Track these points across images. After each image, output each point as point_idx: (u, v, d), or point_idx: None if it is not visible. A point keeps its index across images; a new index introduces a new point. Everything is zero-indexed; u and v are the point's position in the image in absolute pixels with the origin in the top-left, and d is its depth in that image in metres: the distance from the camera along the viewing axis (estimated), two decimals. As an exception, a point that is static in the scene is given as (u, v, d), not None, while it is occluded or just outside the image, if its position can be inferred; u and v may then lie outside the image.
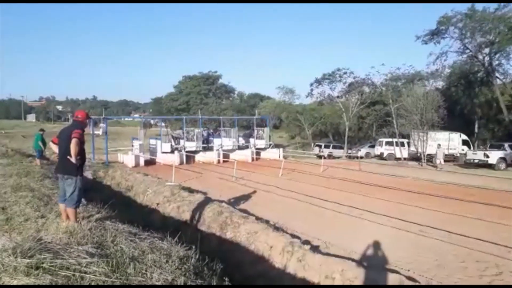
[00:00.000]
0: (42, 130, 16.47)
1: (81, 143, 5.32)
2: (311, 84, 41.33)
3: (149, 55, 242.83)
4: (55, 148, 5.68)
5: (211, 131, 32.02)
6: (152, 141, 24.81)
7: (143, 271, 3.54)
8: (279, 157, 27.36)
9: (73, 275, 3.24)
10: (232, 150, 25.97)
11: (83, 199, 6.11)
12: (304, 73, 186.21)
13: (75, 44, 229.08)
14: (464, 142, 28.69)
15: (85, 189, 7.16)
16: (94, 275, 3.29)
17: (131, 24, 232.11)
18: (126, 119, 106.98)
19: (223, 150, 25.38)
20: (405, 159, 29.18)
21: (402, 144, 30.13)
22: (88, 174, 15.75)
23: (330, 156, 31.38)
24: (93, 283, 3.16)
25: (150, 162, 22.40)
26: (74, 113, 5.99)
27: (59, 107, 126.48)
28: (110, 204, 7.05)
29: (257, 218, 8.58)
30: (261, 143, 28.44)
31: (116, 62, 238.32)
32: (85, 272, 3.33)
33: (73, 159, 5.20)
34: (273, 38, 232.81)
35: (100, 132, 37.67)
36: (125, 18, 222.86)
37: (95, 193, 11.10)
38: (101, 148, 24.53)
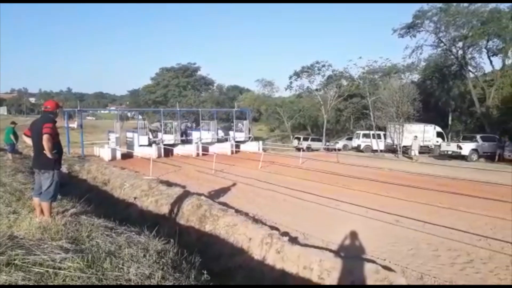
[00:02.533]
0: (13, 123, 15.90)
1: (53, 137, 5.17)
2: (290, 77, 41.41)
3: (126, 46, 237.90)
4: (28, 141, 5.50)
5: (189, 124, 31.80)
6: (129, 134, 24.40)
7: (120, 266, 3.49)
8: (259, 150, 27.41)
9: (47, 271, 3.17)
10: (211, 143, 25.85)
11: (58, 194, 5.96)
12: (283, 65, 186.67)
13: (48, 34, 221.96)
14: (439, 134, 29.44)
15: (60, 183, 6.99)
16: (69, 271, 3.23)
17: (106, 14, 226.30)
18: (102, 111, 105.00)
19: (202, 143, 25.23)
20: (381, 151, 29.79)
21: (379, 136, 30.74)
22: (63, 168, 15.39)
23: (308, 149, 31.68)
24: (67, 279, 3.10)
25: (127, 156, 22.06)
26: (44, 104, 5.79)
27: (32, 100, 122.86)
28: (86, 198, 6.92)
29: (237, 211, 8.60)
30: (240, 136, 28.39)
31: (91, 53, 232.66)
32: (59, 268, 3.26)
33: (48, 155, 5.06)
34: (252, 30, 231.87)
35: (75, 125, 36.76)
36: (100, 7, 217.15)
37: (70, 187, 10.87)
38: (77, 141, 24.01)
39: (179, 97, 49.23)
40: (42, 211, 5.20)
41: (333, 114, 39.91)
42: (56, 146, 5.27)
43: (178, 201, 9.25)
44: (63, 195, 7.11)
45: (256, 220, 7.98)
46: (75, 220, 5.20)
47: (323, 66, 38.70)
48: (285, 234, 7.12)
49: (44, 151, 5.05)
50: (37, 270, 3.17)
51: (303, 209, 9.91)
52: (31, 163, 6.16)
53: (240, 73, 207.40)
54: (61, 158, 5.54)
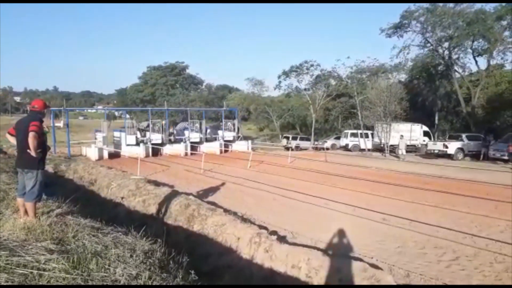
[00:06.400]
0: None
1: (39, 135, 5.09)
2: (279, 76, 41.48)
3: (114, 45, 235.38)
4: (12, 140, 5.39)
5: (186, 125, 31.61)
6: (116, 134, 24.16)
7: (106, 266, 3.45)
8: (248, 149, 27.40)
9: (31, 272, 3.11)
10: (200, 143, 25.74)
11: (43, 194, 5.87)
12: (273, 65, 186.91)
13: (34, 32, 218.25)
14: (425, 133, 29.80)
15: (46, 183, 6.88)
16: (53, 272, 3.17)
17: (94, 12, 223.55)
18: (89, 110, 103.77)
19: (191, 143, 25.10)
20: (369, 150, 30.06)
21: (366, 136, 31.01)
22: (49, 168, 15.17)
23: (297, 148, 31.79)
24: (52, 280, 3.05)
25: (114, 155, 21.83)
26: (31, 103, 5.70)
27: (17, 99, 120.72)
28: (72, 198, 6.82)
29: (225, 210, 8.57)
30: (229, 135, 28.33)
31: (78, 52, 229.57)
32: (44, 270, 3.20)
33: (33, 153, 4.97)
34: (242, 29, 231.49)
35: (61, 124, 36.25)
36: (88, 5, 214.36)
37: (56, 187, 10.72)
38: (63, 141, 23.69)
39: (167, 96, 48.94)
40: (26, 212, 5.11)
41: (322, 114, 40.11)
42: (41, 145, 5.19)
43: (166, 201, 9.18)
44: (48, 195, 6.99)
45: (244, 220, 7.97)
46: (60, 221, 5.12)
47: (312, 65, 38.84)
48: (274, 233, 7.13)
49: (28, 150, 4.97)
50: (20, 271, 3.11)
51: (292, 208, 9.94)
52: (15, 163, 6.05)
53: (229, 72, 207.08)
54: (45, 158, 5.46)
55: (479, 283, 5.38)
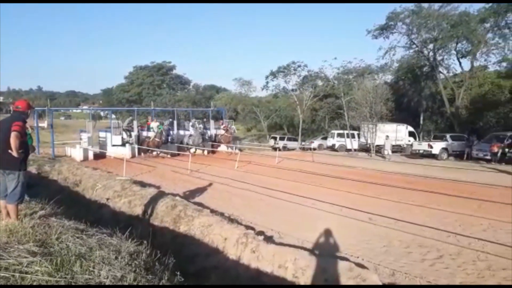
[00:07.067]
0: None
1: (22, 135, 5.01)
2: (267, 77, 41.61)
3: (100, 44, 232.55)
4: None
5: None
6: (102, 134, 23.83)
7: (90, 269, 3.40)
8: (235, 149, 27.35)
9: (13, 275, 3.06)
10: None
11: (25, 195, 5.77)
12: (260, 65, 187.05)
13: (16, 30, 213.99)
14: (410, 134, 30.21)
15: (29, 184, 6.77)
16: (36, 275, 3.12)
17: (79, 11, 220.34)
18: (74, 110, 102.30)
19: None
20: (355, 150, 30.37)
21: (353, 136, 31.30)
22: (32, 169, 14.91)
23: (285, 148, 31.94)
24: (34, 283, 3.00)
25: (99, 156, 21.53)
26: (14, 103, 5.60)
27: (0, 98, 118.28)
28: (56, 200, 6.71)
29: (212, 211, 8.55)
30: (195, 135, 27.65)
31: (62, 50, 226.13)
32: (26, 272, 3.15)
33: (14, 153, 4.88)
34: (229, 30, 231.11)
35: (45, 124, 35.64)
36: (72, 5, 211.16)
37: (40, 188, 10.55)
38: (47, 141, 23.27)
39: (154, 96, 48.60)
40: (8, 214, 5.02)
41: (309, 114, 40.33)
42: (23, 146, 5.10)
43: (152, 202, 9.11)
44: (32, 197, 6.88)
45: (231, 220, 7.95)
46: (44, 223, 5.04)
47: (299, 66, 39.08)
48: (261, 233, 7.14)
49: (10, 151, 4.88)
50: (2, 274, 3.05)
51: (279, 208, 9.96)
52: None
53: (217, 73, 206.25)
54: (27, 159, 5.37)
55: (462, 281, 5.47)
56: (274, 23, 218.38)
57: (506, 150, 20.87)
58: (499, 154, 21.04)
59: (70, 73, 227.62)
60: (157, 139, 22.32)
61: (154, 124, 23.21)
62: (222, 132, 26.73)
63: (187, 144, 24.31)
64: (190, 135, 24.37)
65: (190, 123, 25.99)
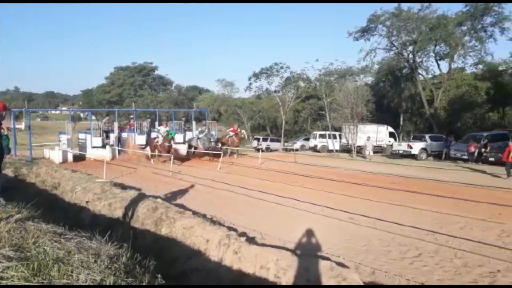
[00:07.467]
0: None
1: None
2: (250, 78, 41.71)
3: (79, 44, 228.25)
4: None
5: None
6: (81, 135, 23.41)
7: (69, 273, 3.33)
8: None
9: (-13, 282, 2.97)
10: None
11: (1, 199, 5.62)
12: (243, 66, 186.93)
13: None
14: (391, 134, 30.76)
15: (5, 187, 6.60)
16: (12, 280, 3.04)
17: (58, 10, 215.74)
18: (53, 112, 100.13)
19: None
20: (337, 151, 30.73)
21: (334, 137, 31.67)
22: (9, 171, 14.53)
23: (267, 149, 32.05)
24: (10, 289, 2.92)
25: (79, 158, 21.14)
26: None
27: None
28: (34, 203, 6.54)
29: (194, 213, 8.49)
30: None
31: (41, 50, 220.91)
32: (1, 278, 3.06)
33: None
34: (212, 31, 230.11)
35: (22, 126, 34.76)
36: (50, 4, 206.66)
37: (16, 191, 10.28)
38: (25, 143, 22.73)
39: (135, 96, 48.02)
40: (-17, 218, 4.88)
41: (291, 115, 40.65)
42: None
43: (132, 204, 8.98)
44: (8, 200, 6.68)
45: (214, 222, 7.92)
46: (20, 227, 4.90)
47: (282, 67, 39.38)
48: (243, 234, 7.13)
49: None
50: (-24, 280, 2.97)
51: (261, 209, 9.99)
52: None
53: (199, 74, 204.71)
54: (2, 161, 5.23)
55: (439, 278, 5.59)
56: (257, 24, 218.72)
57: (483, 150, 21.47)
58: (475, 154, 21.63)
59: (49, 73, 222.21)
60: (166, 143, 20.24)
61: (162, 129, 21.55)
62: (231, 134, 26.36)
63: (194, 147, 23.50)
64: (199, 138, 23.41)
65: (158, 127, 24.20)
